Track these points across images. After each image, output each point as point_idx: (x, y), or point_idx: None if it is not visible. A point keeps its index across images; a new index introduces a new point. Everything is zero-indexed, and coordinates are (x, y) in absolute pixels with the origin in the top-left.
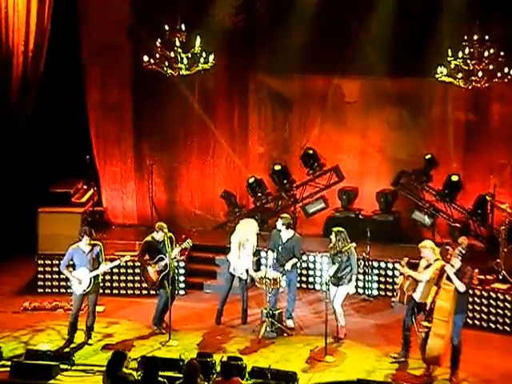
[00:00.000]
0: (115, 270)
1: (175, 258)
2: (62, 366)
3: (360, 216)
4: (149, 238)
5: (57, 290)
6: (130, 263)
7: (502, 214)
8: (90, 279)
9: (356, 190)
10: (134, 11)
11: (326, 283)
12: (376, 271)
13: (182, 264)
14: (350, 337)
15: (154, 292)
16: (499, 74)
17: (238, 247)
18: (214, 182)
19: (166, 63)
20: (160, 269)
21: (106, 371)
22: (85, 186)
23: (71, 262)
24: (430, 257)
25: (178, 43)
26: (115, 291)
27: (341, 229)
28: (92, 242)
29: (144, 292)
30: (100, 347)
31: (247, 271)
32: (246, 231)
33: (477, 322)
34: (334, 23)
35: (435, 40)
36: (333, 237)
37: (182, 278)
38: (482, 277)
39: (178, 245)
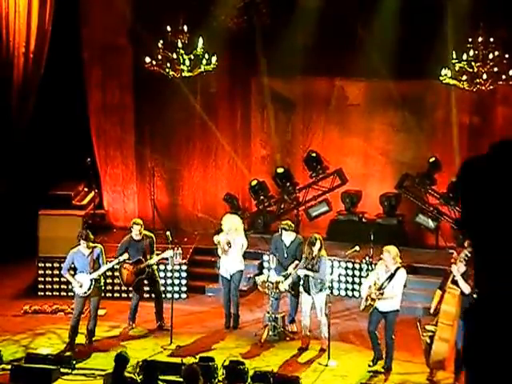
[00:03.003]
0: (116, 274)
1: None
2: (63, 370)
3: (363, 219)
4: (127, 237)
5: (57, 293)
6: None
7: None
8: (91, 281)
9: (359, 193)
10: (135, 12)
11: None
12: None
13: (183, 267)
14: (352, 341)
15: (154, 295)
16: (504, 77)
17: (227, 246)
18: (216, 185)
19: (168, 65)
20: (137, 271)
21: (108, 374)
22: (86, 189)
23: (72, 266)
24: (389, 264)
25: (180, 44)
26: (116, 295)
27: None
28: (91, 244)
29: (145, 295)
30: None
31: (241, 273)
32: (230, 227)
33: None
34: (336, 25)
35: (439, 42)
36: (318, 244)
37: (183, 282)
38: None
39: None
